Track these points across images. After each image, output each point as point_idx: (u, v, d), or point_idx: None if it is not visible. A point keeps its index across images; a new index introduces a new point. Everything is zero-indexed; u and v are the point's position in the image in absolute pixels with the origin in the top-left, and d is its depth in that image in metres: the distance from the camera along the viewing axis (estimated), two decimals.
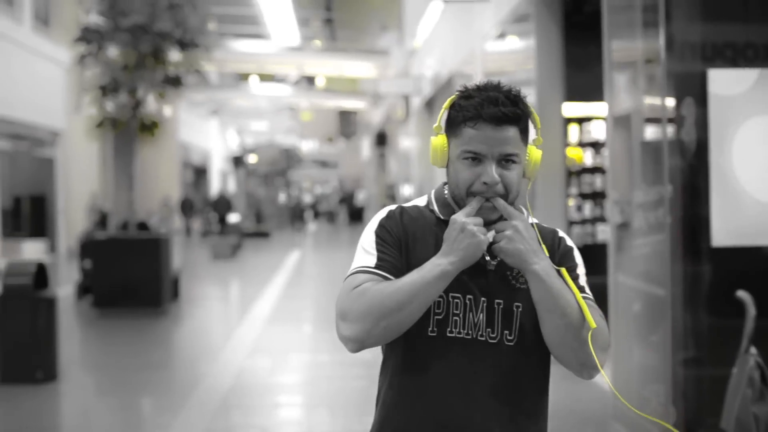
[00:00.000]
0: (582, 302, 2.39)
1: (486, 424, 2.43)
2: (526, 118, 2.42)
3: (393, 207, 2.57)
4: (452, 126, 2.45)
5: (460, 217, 2.37)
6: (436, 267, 2.35)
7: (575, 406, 7.44)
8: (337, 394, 8.61)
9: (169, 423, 7.57)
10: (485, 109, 2.36)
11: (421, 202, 2.60)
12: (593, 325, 2.35)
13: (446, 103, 2.49)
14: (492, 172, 2.37)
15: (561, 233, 2.59)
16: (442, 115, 2.50)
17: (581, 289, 2.47)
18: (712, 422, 5.77)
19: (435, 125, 2.50)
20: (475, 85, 2.45)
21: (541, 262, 2.36)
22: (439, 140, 2.47)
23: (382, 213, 2.56)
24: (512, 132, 2.37)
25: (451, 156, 2.45)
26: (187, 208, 37.64)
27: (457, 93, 2.47)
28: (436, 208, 2.54)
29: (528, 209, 2.57)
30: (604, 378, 2.49)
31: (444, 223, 2.48)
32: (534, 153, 2.46)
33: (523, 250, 2.35)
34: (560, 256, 2.53)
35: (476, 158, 2.39)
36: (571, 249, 2.55)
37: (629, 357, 6.87)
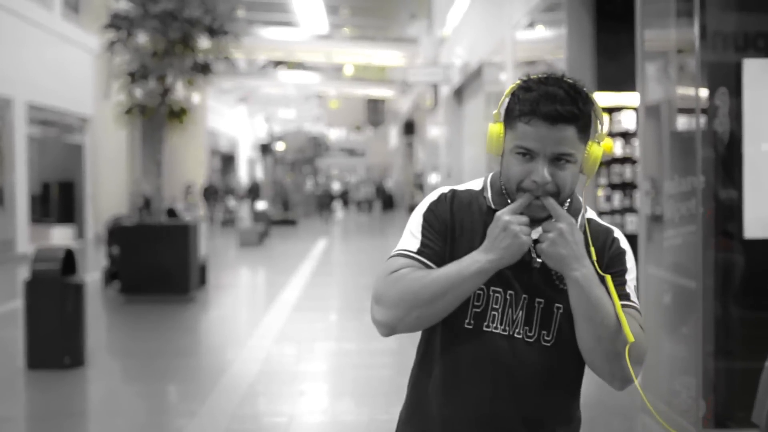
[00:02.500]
0: (621, 314, 2.31)
1: (512, 421, 2.40)
2: (586, 116, 2.31)
3: (445, 190, 2.50)
4: (509, 117, 2.36)
5: (504, 214, 2.30)
6: (474, 263, 2.30)
7: (604, 398, 7.38)
8: (364, 383, 8.59)
9: (195, 409, 7.57)
10: (541, 106, 2.26)
11: (476, 186, 2.52)
12: (631, 339, 2.28)
13: (507, 91, 2.39)
14: (542, 171, 2.28)
15: (616, 234, 2.50)
16: (502, 102, 2.41)
17: (626, 297, 2.39)
18: (743, 416, 5.70)
19: (495, 112, 2.42)
20: (537, 77, 2.34)
21: (582, 269, 2.29)
22: (496, 128, 2.39)
23: (433, 195, 2.50)
24: (569, 131, 2.27)
25: (506, 147, 2.37)
26: (210, 195, 37.66)
27: (519, 82, 2.38)
28: (489, 195, 2.47)
29: (575, 204, 2.49)
30: (639, 391, 2.42)
31: (494, 213, 2.39)
32: (594, 150, 2.37)
33: (564, 254, 2.28)
34: (609, 258, 2.44)
35: (528, 154, 2.30)
36: (623, 252, 2.46)
37: (659, 349, 6.81)
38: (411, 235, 2.44)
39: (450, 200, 2.47)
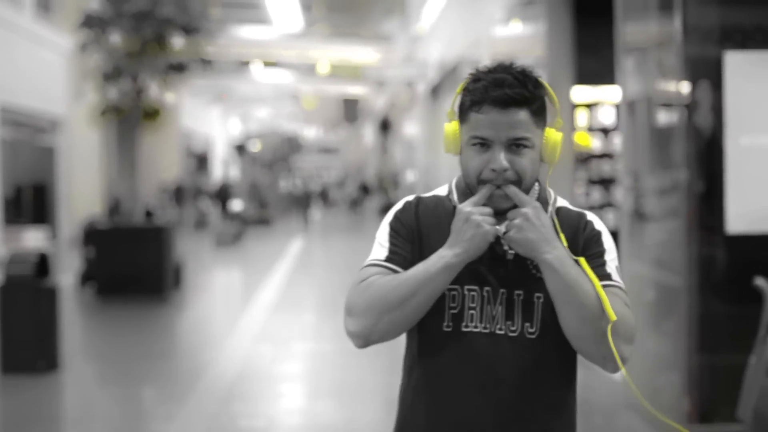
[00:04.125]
0: (602, 292, 2.25)
1: (503, 422, 2.33)
2: (539, 99, 2.29)
3: (411, 198, 2.47)
4: (462, 111, 2.35)
5: (466, 206, 2.27)
6: (440, 259, 2.26)
7: (585, 394, 7.34)
8: (342, 384, 8.51)
9: (173, 413, 7.48)
10: (490, 92, 2.25)
11: (442, 191, 2.49)
12: (613, 317, 2.22)
13: (459, 87, 2.38)
14: (500, 158, 2.25)
15: (590, 216, 2.45)
16: (455, 99, 2.39)
17: (607, 277, 2.33)
18: (728, 412, 5.66)
19: (449, 110, 2.40)
20: (485, 67, 2.34)
21: (554, 251, 2.23)
22: (452, 126, 2.37)
23: (399, 204, 2.47)
24: (522, 115, 2.25)
25: (462, 142, 2.34)
26: (179, 196, 37.24)
27: (469, 76, 2.36)
28: (455, 197, 2.43)
29: (550, 193, 2.45)
30: (625, 375, 2.36)
31: None
32: (553, 135, 2.33)
33: (533, 239, 2.23)
34: (585, 241, 2.38)
35: (484, 144, 2.28)
36: (598, 233, 2.40)
37: (643, 346, 6.76)
38: (379, 245, 2.41)
39: (415, 206, 2.44)
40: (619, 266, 2.41)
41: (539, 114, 2.30)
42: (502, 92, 2.24)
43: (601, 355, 2.27)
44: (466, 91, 2.34)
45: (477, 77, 2.32)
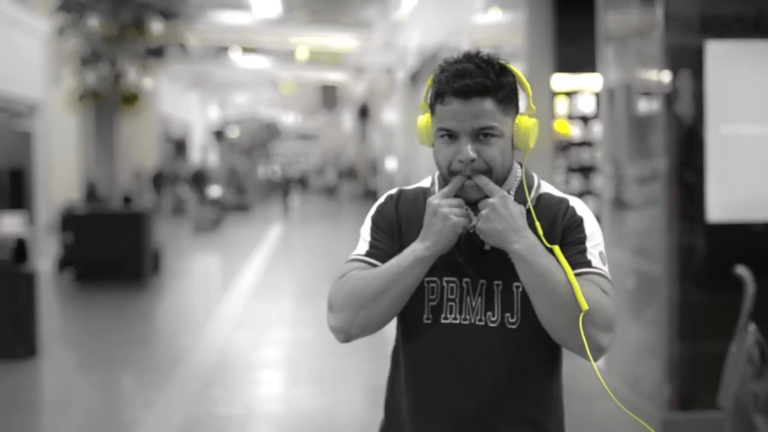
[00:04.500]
0: (574, 281, 2.21)
1: (484, 413, 2.32)
2: (504, 87, 2.25)
3: (393, 191, 2.48)
4: (431, 103, 2.33)
5: (434, 198, 2.26)
6: (412, 253, 2.26)
7: (565, 382, 7.35)
8: (321, 371, 8.51)
9: (152, 399, 7.45)
10: (452, 83, 2.23)
11: (426, 183, 2.48)
12: (585, 306, 2.18)
13: (429, 79, 2.35)
14: (466, 149, 2.23)
15: (572, 202, 2.39)
16: (427, 91, 2.36)
17: (585, 264, 2.28)
18: (708, 399, 5.69)
19: (422, 103, 2.39)
20: (452, 58, 2.31)
21: (522, 241, 2.21)
22: (424, 119, 2.36)
23: (382, 198, 2.48)
24: (486, 104, 2.22)
25: (433, 134, 2.33)
26: (158, 182, 37.01)
27: (438, 67, 2.33)
28: (437, 188, 2.42)
29: (525, 180, 2.39)
30: (594, 367, 2.29)
31: None
32: (524, 122, 2.29)
33: (500, 228, 2.21)
34: (565, 227, 2.33)
35: (452, 135, 2.26)
36: (580, 219, 2.34)
37: (623, 334, 6.78)
38: (362, 240, 2.44)
39: (396, 199, 2.45)
40: (603, 252, 2.35)
41: (506, 102, 2.27)
42: (463, 83, 2.22)
43: (577, 345, 2.23)
44: (433, 82, 2.32)
45: (443, 68, 2.30)
